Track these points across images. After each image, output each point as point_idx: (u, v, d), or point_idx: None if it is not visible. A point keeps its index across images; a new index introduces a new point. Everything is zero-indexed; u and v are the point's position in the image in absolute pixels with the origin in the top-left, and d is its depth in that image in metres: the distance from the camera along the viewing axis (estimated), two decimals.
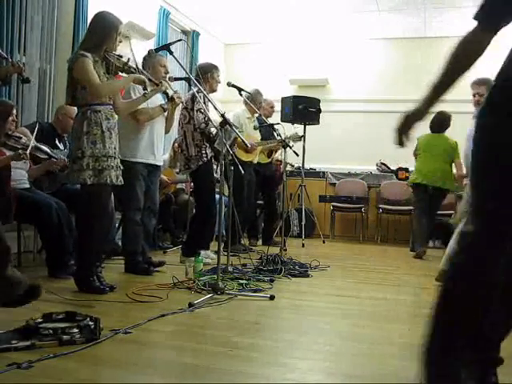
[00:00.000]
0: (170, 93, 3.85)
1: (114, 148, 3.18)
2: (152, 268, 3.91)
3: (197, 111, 4.27)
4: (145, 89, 3.31)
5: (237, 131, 3.61)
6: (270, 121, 5.45)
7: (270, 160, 6.02)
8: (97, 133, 3.08)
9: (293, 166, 7.48)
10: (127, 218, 3.90)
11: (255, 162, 5.55)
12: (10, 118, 3.64)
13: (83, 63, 3.02)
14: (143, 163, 3.88)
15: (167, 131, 4.15)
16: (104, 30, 3.14)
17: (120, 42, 3.22)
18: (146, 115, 3.81)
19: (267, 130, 5.57)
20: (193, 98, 4.29)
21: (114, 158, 3.17)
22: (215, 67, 4.55)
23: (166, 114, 3.98)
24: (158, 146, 3.99)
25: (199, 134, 4.34)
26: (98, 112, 3.10)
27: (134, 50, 3.34)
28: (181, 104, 4.13)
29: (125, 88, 3.46)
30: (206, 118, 4.22)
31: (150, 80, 3.46)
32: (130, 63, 3.25)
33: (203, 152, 4.34)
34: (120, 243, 4.22)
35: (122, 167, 3.28)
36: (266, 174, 5.98)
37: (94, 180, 3.07)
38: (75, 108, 3.25)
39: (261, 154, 5.78)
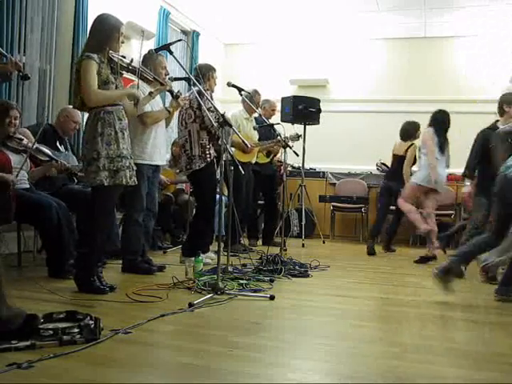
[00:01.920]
0: (175, 91, 3.88)
1: (127, 148, 3.19)
2: (154, 267, 3.92)
3: (208, 109, 4.10)
4: (135, 104, 3.30)
5: (237, 131, 3.61)
6: (270, 121, 5.44)
7: (269, 160, 6.01)
8: (111, 133, 3.08)
9: (293, 167, 7.47)
10: (130, 219, 3.91)
11: (253, 162, 5.55)
12: (7, 120, 3.61)
13: (86, 65, 3.02)
14: (149, 164, 3.91)
15: (167, 126, 4.16)
16: (106, 32, 3.13)
17: (122, 42, 3.23)
18: (153, 118, 3.88)
19: (267, 130, 5.57)
20: (198, 97, 4.22)
21: (127, 158, 3.17)
22: (213, 68, 4.57)
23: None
24: (162, 146, 4.04)
25: (205, 132, 4.33)
26: (111, 113, 3.10)
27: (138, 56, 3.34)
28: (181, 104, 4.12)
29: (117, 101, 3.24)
30: (217, 117, 4.17)
31: (154, 79, 3.47)
32: (133, 63, 3.26)
33: (207, 152, 4.33)
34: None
35: (135, 167, 3.28)
36: (267, 173, 5.97)
37: (110, 181, 3.07)
38: (78, 111, 3.23)
39: (259, 154, 5.78)
